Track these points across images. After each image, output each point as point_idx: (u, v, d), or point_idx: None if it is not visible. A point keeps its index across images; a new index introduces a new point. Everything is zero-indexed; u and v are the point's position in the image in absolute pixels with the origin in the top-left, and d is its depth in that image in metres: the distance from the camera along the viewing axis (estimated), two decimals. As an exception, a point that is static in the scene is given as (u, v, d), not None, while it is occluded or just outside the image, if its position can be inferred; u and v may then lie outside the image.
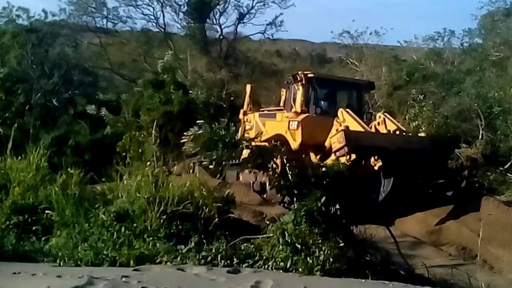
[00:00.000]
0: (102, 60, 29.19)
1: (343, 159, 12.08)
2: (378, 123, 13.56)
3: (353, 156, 12.21)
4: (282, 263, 6.96)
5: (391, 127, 13.30)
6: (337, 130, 12.80)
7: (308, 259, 6.89)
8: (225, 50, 30.76)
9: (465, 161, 15.45)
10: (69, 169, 9.84)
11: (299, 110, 14.56)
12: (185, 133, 8.88)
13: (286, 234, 7.11)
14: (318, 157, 13.49)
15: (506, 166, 14.90)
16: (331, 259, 6.90)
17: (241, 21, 31.37)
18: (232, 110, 20.99)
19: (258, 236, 7.75)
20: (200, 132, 8.49)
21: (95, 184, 10.53)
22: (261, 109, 17.33)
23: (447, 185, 14.38)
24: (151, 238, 7.67)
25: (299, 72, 15.13)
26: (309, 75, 14.95)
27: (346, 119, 13.37)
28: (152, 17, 30.67)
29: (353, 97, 15.81)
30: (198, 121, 8.86)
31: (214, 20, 30.93)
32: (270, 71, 32.66)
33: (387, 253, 8.64)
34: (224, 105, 21.83)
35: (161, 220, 7.97)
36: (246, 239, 7.82)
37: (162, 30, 30.98)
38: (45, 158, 10.50)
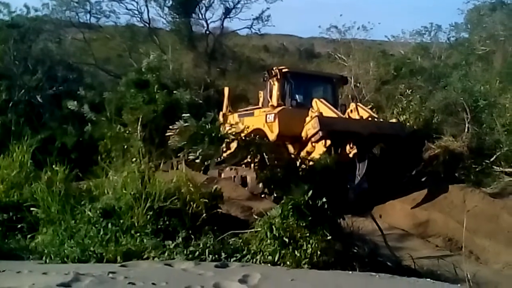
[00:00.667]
0: (86, 55, 28.91)
1: (320, 147, 12.78)
2: (351, 111, 14.18)
3: (328, 142, 12.81)
4: (270, 257, 6.99)
5: (364, 114, 13.91)
6: (311, 117, 13.28)
7: (296, 252, 6.92)
8: (211, 45, 30.63)
9: (445, 153, 15.67)
10: (54, 166, 9.78)
11: (275, 104, 15.12)
12: (170, 127, 8.87)
13: (274, 228, 7.13)
14: (295, 148, 14.11)
15: (492, 159, 15.13)
16: (318, 252, 6.93)
17: (228, 16, 31.18)
18: (219, 106, 20.94)
19: (246, 231, 7.76)
20: (186, 125, 8.49)
21: (81, 181, 10.50)
22: (239, 110, 17.71)
23: (422, 173, 15.15)
24: (138, 234, 7.66)
25: (274, 68, 15.76)
26: (283, 70, 15.54)
27: (320, 108, 13.90)
28: (136, 12, 30.48)
29: (327, 91, 16.33)
30: (184, 115, 8.84)
31: (200, 15, 30.72)
32: (257, 66, 32.50)
33: (375, 245, 8.68)
34: (202, 102, 21.74)
35: (148, 216, 7.95)
36: (234, 234, 7.82)
37: (147, 25, 30.82)
38: (28, 155, 10.43)
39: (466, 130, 16.09)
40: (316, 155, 13.15)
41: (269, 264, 6.89)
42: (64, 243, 7.78)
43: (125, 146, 13.21)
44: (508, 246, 10.70)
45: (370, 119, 13.84)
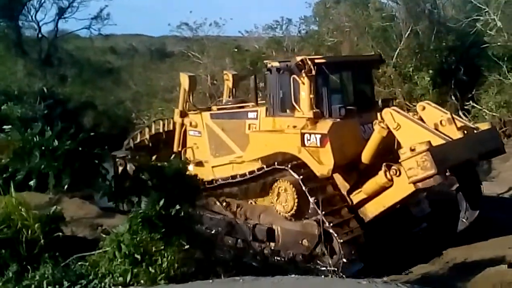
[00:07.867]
0: None
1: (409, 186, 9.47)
2: (440, 122, 10.30)
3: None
4: (121, 278, 6.68)
5: (460, 125, 10.54)
6: (412, 149, 9.08)
7: (150, 268, 6.70)
8: (45, 50, 29.27)
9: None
10: None
11: (310, 114, 10.63)
12: None
13: (123, 246, 6.83)
14: (350, 180, 10.49)
15: None
16: (176, 265, 6.82)
17: (62, 16, 30.25)
18: (62, 118, 19.72)
19: (93, 252, 7.32)
20: (8, 140, 7.69)
21: None
22: (214, 107, 13.88)
23: None
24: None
25: (304, 58, 10.81)
26: (317, 61, 10.81)
27: (402, 124, 9.87)
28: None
29: (364, 80, 12.29)
30: (5, 127, 7.97)
31: (30, 17, 29.41)
32: (104, 70, 32.07)
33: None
34: (37, 116, 20.35)
35: (-33, 253, 7.16)
36: (81, 257, 7.35)
37: (-35, 31, 28.40)
38: None
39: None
40: (398, 193, 9.80)
41: (120, 287, 6.60)
42: None
43: None
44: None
45: (466, 131, 10.30)
